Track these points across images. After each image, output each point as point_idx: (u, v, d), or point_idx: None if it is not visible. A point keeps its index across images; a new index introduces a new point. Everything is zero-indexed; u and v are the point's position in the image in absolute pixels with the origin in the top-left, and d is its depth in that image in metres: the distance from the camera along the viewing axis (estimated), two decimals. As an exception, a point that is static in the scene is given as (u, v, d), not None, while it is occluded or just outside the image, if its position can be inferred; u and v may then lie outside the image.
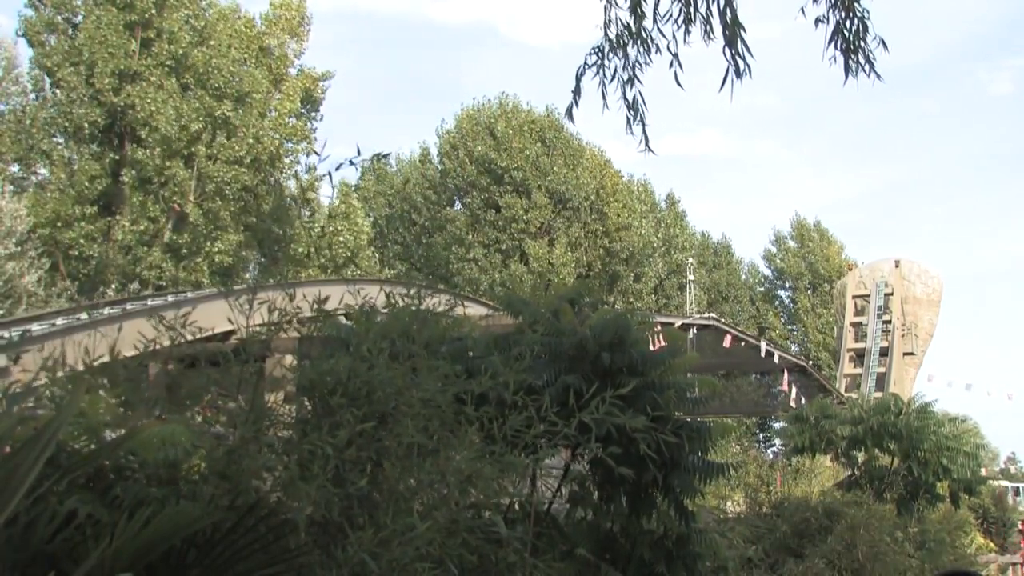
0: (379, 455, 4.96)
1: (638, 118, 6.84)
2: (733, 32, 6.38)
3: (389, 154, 20.56)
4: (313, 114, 41.69)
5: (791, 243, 66.70)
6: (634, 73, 6.78)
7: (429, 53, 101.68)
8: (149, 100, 33.86)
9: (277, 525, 4.40)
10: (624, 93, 6.81)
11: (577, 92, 6.87)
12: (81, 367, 4.76)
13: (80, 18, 35.41)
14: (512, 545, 6.00)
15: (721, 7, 6.41)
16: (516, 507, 7.09)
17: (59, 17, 35.58)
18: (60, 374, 4.53)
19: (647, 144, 7.01)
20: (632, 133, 6.90)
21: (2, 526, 3.36)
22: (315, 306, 5.57)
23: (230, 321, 5.19)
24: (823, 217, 68.49)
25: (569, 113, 7.13)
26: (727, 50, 6.41)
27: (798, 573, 13.46)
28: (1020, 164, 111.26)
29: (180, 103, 34.62)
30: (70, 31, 35.48)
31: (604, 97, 6.80)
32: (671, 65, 6.59)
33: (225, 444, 4.66)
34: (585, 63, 6.84)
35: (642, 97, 6.83)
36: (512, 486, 6.41)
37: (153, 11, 34.98)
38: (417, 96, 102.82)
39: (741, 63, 6.37)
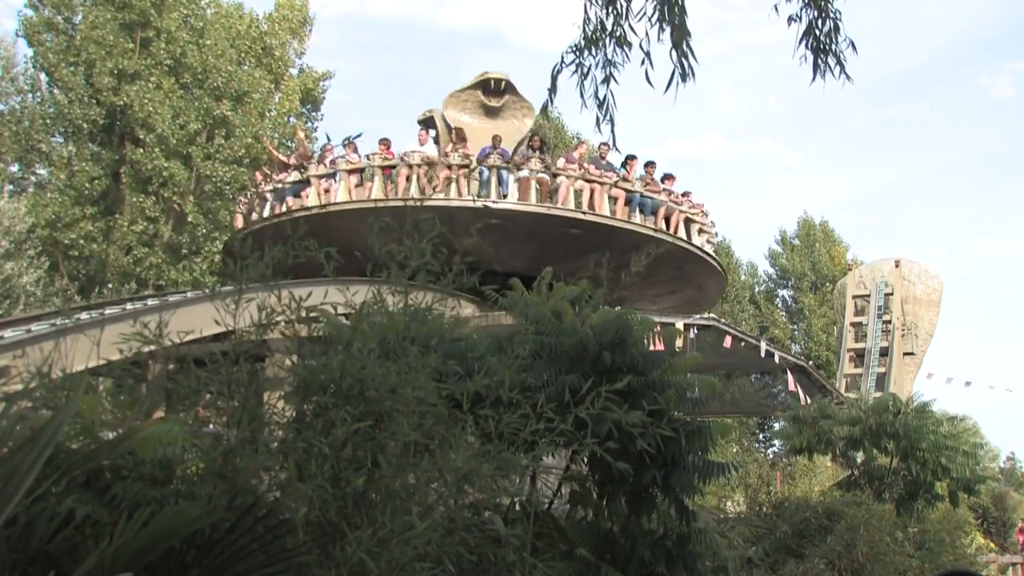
0: (375, 454, 4.95)
1: (608, 117, 6.85)
2: (680, 35, 6.44)
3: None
4: (314, 114, 41.76)
5: (796, 242, 66.61)
6: (609, 72, 6.78)
7: (432, 56, 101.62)
8: (147, 100, 33.84)
9: (275, 525, 4.40)
10: (596, 92, 6.79)
11: (553, 90, 6.85)
12: (80, 367, 4.76)
13: (79, 18, 35.40)
14: (511, 545, 5.99)
15: (675, 11, 6.47)
16: (516, 507, 7.08)
17: (58, 17, 35.57)
18: (57, 374, 4.53)
19: (614, 143, 7.05)
20: (600, 132, 6.94)
21: (2, 526, 3.36)
22: (303, 308, 5.52)
23: (216, 323, 5.17)
24: (825, 218, 68.17)
25: (544, 111, 7.21)
26: (674, 52, 6.47)
27: (798, 573, 13.46)
28: (1020, 165, 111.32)
29: (178, 103, 34.60)
30: (69, 31, 35.47)
31: (582, 96, 6.78)
32: (643, 63, 6.60)
33: (222, 444, 4.66)
34: (562, 61, 6.81)
35: (613, 97, 6.84)
36: (511, 485, 6.41)
37: (152, 11, 34.98)
38: (420, 99, 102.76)
39: (686, 65, 6.46)
